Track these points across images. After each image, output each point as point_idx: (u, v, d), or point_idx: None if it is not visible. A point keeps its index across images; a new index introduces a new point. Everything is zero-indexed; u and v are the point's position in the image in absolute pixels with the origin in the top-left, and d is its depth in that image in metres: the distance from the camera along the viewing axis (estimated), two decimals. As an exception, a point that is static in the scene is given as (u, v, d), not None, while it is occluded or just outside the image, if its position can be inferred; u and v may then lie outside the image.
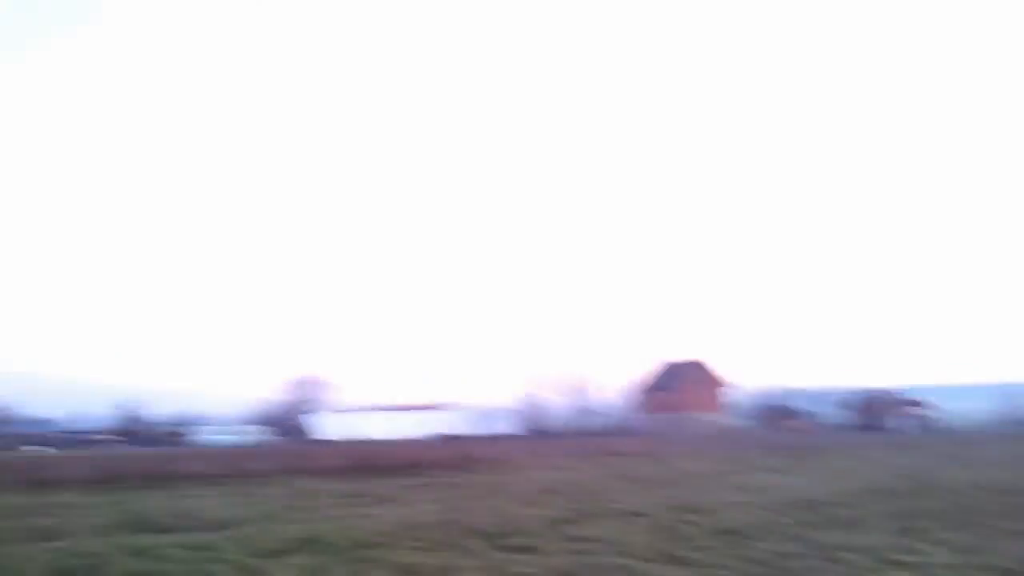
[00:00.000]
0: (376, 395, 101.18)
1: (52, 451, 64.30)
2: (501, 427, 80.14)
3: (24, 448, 70.33)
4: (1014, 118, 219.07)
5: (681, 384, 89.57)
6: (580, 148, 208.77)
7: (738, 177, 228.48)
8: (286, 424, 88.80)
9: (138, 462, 32.64)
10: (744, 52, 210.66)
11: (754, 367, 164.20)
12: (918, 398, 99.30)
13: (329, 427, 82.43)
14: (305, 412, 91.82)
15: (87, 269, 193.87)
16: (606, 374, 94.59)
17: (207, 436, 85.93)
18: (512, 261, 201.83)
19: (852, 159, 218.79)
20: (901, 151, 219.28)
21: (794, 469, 26.89)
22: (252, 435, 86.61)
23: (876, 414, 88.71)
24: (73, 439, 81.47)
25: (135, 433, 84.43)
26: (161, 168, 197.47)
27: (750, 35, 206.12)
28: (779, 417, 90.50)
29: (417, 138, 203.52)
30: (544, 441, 58.72)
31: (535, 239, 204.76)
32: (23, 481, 25.12)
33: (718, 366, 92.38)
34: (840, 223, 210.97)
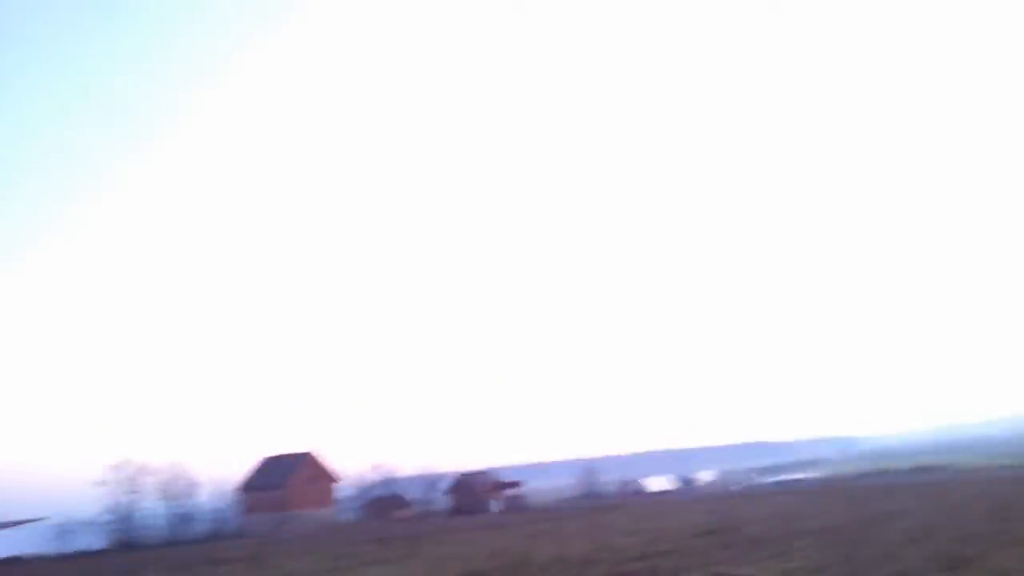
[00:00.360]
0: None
1: None
2: (87, 542, 71.61)
3: None
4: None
5: (286, 480, 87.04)
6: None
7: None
8: None
9: None
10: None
11: (359, 456, 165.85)
12: (510, 478, 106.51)
13: None
14: None
15: None
16: (204, 474, 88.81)
17: None
18: (94, 351, 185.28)
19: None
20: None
21: (400, 560, 27.27)
22: None
23: (473, 496, 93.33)
24: None
25: None
26: None
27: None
28: (387, 507, 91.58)
29: None
30: (136, 554, 53.55)
31: (119, 328, 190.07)
32: None
33: (324, 458, 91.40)
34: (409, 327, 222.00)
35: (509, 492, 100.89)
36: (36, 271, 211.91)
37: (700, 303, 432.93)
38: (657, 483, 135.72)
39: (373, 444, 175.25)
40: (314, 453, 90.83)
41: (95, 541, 71.91)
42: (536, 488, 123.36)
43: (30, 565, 50.84)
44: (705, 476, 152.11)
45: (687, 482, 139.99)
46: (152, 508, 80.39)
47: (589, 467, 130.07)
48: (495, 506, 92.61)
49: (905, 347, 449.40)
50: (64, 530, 75.68)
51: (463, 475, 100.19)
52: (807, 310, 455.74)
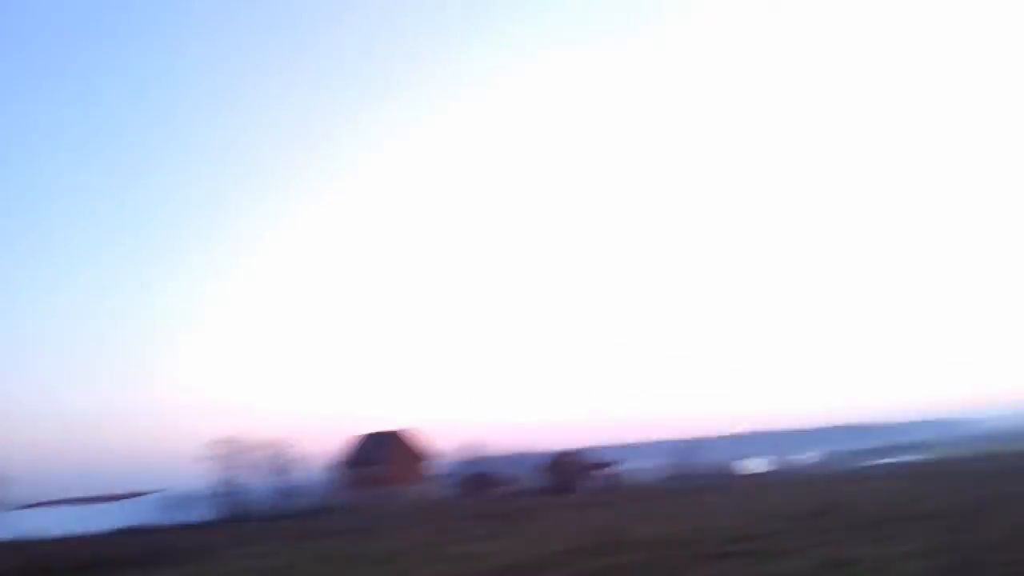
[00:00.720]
0: (54, 487, 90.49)
1: None
2: (196, 514, 74.69)
3: None
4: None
5: (384, 457, 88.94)
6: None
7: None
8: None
9: None
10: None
11: (454, 434, 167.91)
12: (605, 458, 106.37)
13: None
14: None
15: None
16: (306, 449, 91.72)
17: None
18: (198, 328, 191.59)
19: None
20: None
21: (500, 536, 27.53)
22: None
23: (569, 475, 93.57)
24: None
25: None
26: None
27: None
28: (483, 485, 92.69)
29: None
30: (244, 526, 55.60)
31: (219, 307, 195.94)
32: None
33: (420, 435, 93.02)
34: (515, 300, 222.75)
35: (604, 472, 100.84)
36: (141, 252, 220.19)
37: (796, 280, 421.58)
38: (755, 465, 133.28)
39: (469, 422, 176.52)
40: (411, 430, 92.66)
41: (203, 513, 74.82)
42: (631, 468, 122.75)
43: (147, 534, 53.24)
44: (806, 458, 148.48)
45: (787, 464, 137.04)
46: (256, 482, 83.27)
47: (685, 448, 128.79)
48: (590, 486, 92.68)
49: (1012, 323, 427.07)
50: (174, 502, 78.97)
51: (559, 454, 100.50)
52: (909, 288, 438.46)
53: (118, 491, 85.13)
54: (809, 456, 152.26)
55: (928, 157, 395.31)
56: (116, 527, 61.47)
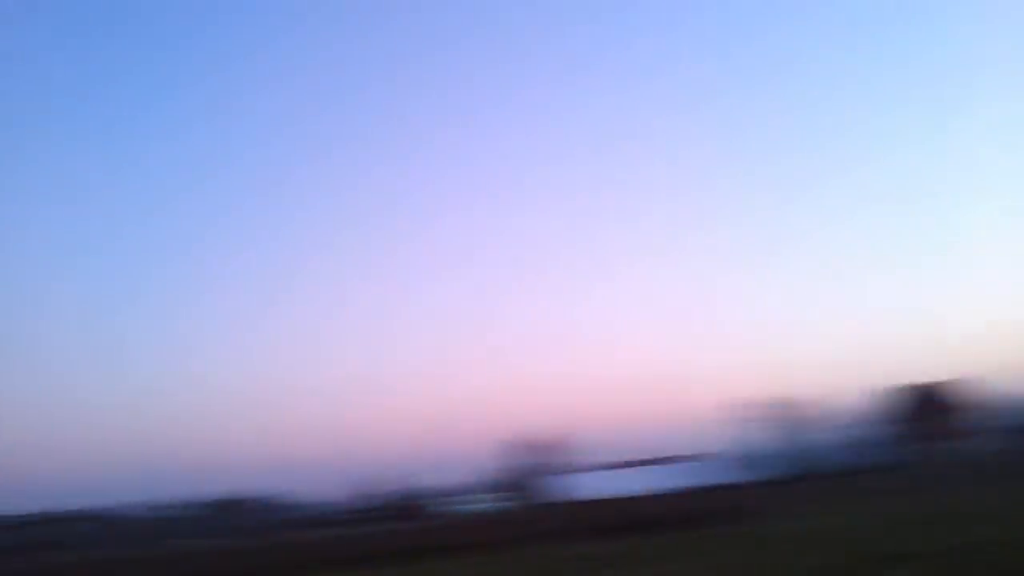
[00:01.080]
0: (610, 452, 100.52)
1: (312, 533, 67.73)
2: (745, 473, 77.32)
3: (291, 532, 74.14)
4: None
5: (932, 410, 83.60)
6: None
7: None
8: (526, 488, 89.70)
9: (391, 538, 34.25)
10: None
11: (1009, 381, 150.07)
12: None
13: (569, 488, 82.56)
14: (544, 475, 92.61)
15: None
16: (848, 406, 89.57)
17: (449, 507, 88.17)
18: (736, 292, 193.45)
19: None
20: None
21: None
22: (495, 502, 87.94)
23: None
24: (328, 519, 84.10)
25: (389, 508, 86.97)
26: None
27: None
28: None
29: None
30: (799, 484, 56.38)
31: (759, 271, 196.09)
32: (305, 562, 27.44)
33: (971, 386, 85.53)
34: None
35: None
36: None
37: None
38: None
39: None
40: (961, 381, 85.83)
41: (756, 472, 76.81)
42: None
43: (703, 491, 56.22)
44: None
45: None
46: (807, 440, 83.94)
47: None
48: None
49: None
50: (723, 462, 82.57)
51: None
52: None
53: (669, 453, 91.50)
54: None
55: None
56: (684, 486, 65.79)
